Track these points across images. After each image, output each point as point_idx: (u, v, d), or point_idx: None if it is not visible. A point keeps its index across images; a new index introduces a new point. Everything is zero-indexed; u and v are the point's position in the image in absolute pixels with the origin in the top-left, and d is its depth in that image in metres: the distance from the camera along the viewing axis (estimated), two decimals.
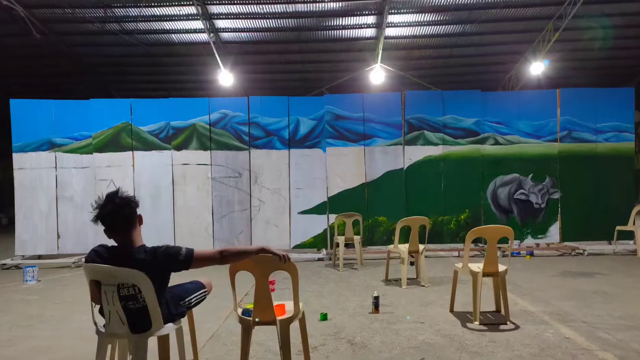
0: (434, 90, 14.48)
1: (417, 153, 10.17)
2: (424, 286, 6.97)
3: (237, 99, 10.78)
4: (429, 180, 10.15)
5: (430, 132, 10.15)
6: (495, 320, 5.17)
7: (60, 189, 9.99)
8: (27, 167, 9.96)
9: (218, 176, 10.11)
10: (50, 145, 10.02)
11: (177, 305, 3.32)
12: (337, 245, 8.80)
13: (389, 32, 13.55)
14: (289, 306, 3.58)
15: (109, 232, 3.03)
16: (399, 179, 10.14)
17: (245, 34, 13.66)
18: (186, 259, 2.99)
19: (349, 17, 12.87)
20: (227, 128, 10.14)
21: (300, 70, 16.36)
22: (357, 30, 13.61)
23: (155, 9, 12.16)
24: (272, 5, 12.14)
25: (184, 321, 3.45)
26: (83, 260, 3.19)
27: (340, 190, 10.16)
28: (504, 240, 5.57)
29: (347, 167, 10.13)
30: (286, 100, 10.26)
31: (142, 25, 13.04)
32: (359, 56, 15.07)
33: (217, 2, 12.06)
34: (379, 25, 13.09)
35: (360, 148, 10.17)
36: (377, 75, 14.70)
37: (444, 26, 13.46)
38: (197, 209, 10.07)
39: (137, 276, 2.88)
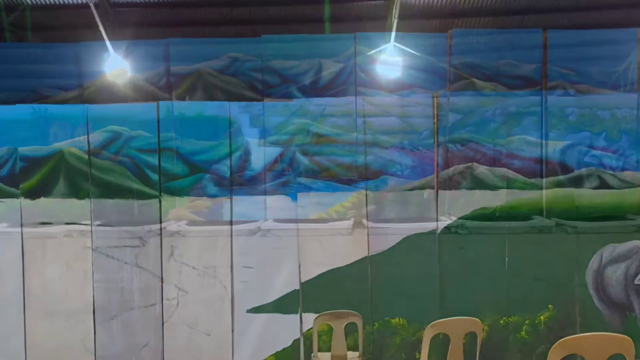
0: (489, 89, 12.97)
1: (461, 203, 9.08)
2: None
3: (139, 107, 9.59)
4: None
5: (483, 165, 9.08)
6: None
7: None
8: None
9: (103, 245, 9.07)
10: None
11: None
12: None
13: None
14: None
15: None
16: (429, 249, 9.02)
17: None
18: None
19: None
20: (120, 158, 9.12)
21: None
22: None
23: None
24: None
25: None
26: None
27: (323, 271, 9.07)
28: (617, 359, 5.15)
29: None
30: (226, 108, 9.15)
31: None
32: None
33: None
34: None
35: (359, 194, 9.00)
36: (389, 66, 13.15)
37: None
38: (68, 304, 9.07)
39: None
